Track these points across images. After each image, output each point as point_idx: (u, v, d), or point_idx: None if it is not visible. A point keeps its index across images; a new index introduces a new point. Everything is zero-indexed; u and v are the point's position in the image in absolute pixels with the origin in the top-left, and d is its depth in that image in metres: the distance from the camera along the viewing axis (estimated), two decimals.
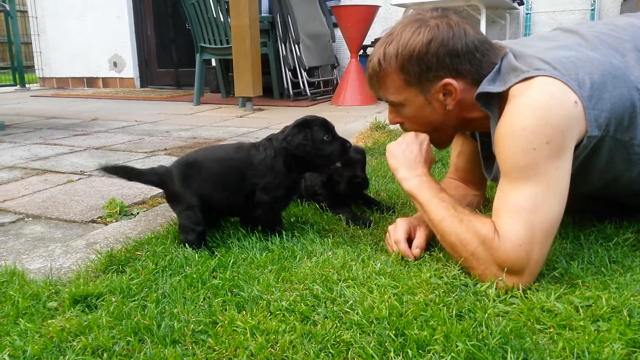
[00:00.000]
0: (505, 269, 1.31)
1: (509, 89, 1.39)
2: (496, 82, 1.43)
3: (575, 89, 1.32)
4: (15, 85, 9.10)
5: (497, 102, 1.45)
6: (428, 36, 1.44)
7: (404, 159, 1.59)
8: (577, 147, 1.36)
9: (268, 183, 1.73)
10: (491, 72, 1.45)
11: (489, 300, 1.26)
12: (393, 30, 1.52)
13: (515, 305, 1.25)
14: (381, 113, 4.96)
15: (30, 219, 2.15)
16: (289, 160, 1.73)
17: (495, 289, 1.31)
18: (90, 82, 9.33)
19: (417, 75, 1.48)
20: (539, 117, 1.30)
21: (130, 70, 8.92)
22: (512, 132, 1.33)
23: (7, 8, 5.80)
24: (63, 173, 2.92)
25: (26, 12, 9.88)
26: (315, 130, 1.74)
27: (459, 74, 1.46)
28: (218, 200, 1.74)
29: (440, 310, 1.20)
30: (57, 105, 6.51)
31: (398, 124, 1.67)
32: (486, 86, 1.44)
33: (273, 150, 1.74)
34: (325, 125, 1.76)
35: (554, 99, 1.31)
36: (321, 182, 2.10)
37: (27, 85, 9.28)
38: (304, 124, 1.75)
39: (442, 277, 1.38)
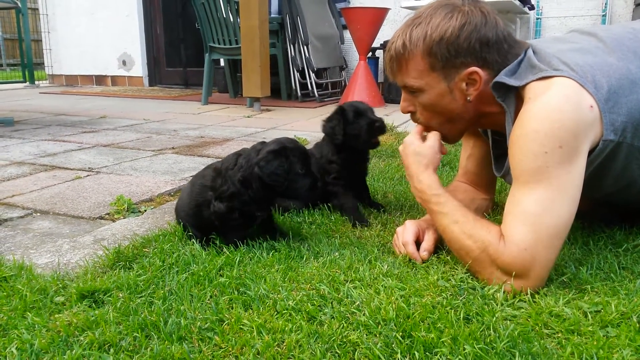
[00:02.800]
0: (514, 273, 1.30)
1: (525, 85, 1.38)
2: (514, 76, 1.42)
3: (592, 91, 1.31)
4: (25, 82, 9.15)
5: (514, 96, 1.44)
6: (462, 20, 1.42)
7: (415, 164, 1.58)
8: (592, 151, 1.35)
9: (222, 192, 1.65)
10: (512, 64, 1.44)
11: (497, 304, 1.26)
12: (420, 14, 1.49)
13: (523, 310, 1.24)
14: (389, 115, 4.95)
15: (39, 214, 2.16)
16: (251, 182, 1.61)
17: (503, 292, 1.30)
18: (99, 80, 9.38)
19: (444, 60, 1.45)
20: (553, 120, 1.29)
21: (139, 68, 8.95)
22: (525, 134, 1.32)
23: (19, 5, 5.84)
24: (71, 169, 2.93)
25: (37, 9, 9.94)
26: (293, 161, 1.62)
27: (485, 63, 1.44)
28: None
29: (447, 312, 1.20)
30: (66, 103, 6.54)
31: (409, 114, 1.64)
32: (504, 77, 1.42)
33: (234, 166, 1.65)
34: (304, 157, 1.64)
35: (569, 102, 1.30)
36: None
37: (36, 82, 9.33)
38: (281, 152, 1.61)
39: (450, 280, 1.38)
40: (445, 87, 1.49)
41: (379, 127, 2.00)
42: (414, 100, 1.57)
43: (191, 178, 1.89)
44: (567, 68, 1.35)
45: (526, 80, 1.38)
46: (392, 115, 4.91)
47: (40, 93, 7.95)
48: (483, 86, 1.46)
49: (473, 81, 1.46)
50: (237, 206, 1.64)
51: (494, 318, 1.18)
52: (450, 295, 1.30)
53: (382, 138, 3.65)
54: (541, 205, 1.30)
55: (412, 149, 1.59)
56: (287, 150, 1.62)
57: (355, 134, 1.99)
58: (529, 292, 1.30)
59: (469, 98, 1.49)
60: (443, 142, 1.63)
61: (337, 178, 2.05)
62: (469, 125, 1.62)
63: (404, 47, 1.48)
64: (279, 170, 1.59)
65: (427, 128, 1.62)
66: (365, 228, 1.86)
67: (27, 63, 9.02)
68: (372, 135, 2.01)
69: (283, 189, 1.62)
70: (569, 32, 1.69)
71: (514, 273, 1.30)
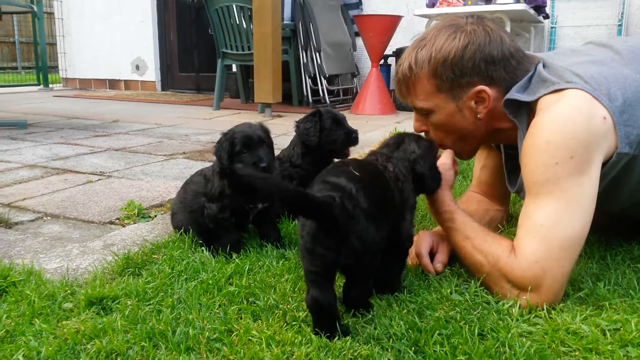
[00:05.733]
0: (530, 287, 1.27)
1: (537, 99, 1.36)
2: (526, 91, 1.40)
3: (605, 103, 1.28)
4: (39, 85, 9.24)
5: (526, 112, 1.42)
6: (464, 41, 1.41)
7: None
8: (605, 163, 1.32)
9: (212, 194, 1.70)
10: (523, 79, 1.42)
11: (512, 320, 1.22)
12: (426, 35, 1.49)
13: (539, 326, 1.21)
14: (400, 123, 4.92)
15: (49, 218, 2.16)
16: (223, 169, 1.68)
17: (519, 307, 1.27)
18: (112, 84, 9.44)
19: (449, 81, 1.44)
20: (565, 131, 1.27)
21: (152, 73, 9.00)
22: (536, 146, 1.31)
23: (35, 9, 5.90)
24: (83, 173, 2.94)
25: (52, 13, 10.05)
26: (235, 142, 1.65)
27: (492, 81, 1.43)
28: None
29: (461, 328, 1.17)
30: (79, 106, 6.59)
31: (423, 133, 1.63)
32: (515, 93, 1.40)
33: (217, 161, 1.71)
34: (246, 140, 1.65)
35: (581, 113, 1.28)
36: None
37: (50, 85, 9.41)
38: (227, 134, 1.68)
39: (464, 294, 1.35)
40: (454, 107, 1.48)
41: (355, 139, 2.05)
42: (426, 121, 1.56)
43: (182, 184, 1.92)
44: (580, 80, 1.33)
45: (538, 95, 1.36)
46: (404, 123, 4.88)
47: (54, 96, 8.02)
48: (493, 103, 1.44)
49: (482, 99, 1.45)
50: (227, 204, 1.67)
51: (509, 334, 1.15)
52: (464, 309, 1.27)
53: None
54: (552, 218, 1.27)
55: None
56: (231, 132, 1.68)
57: (331, 140, 2.01)
58: (544, 308, 1.27)
59: (479, 116, 1.47)
60: (457, 159, 1.63)
61: (301, 185, 2.01)
62: (482, 142, 1.62)
63: (410, 69, 1.48)
64: (222, 152, 1.65)
65: (442, 146, 1.62)
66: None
67: (42, 66, 9.11)
68: (346, 146, 2.04)
69: (227, 168, 1.65)
70: (585, 43, 1.67)
71: (525, 286, 1.28)
